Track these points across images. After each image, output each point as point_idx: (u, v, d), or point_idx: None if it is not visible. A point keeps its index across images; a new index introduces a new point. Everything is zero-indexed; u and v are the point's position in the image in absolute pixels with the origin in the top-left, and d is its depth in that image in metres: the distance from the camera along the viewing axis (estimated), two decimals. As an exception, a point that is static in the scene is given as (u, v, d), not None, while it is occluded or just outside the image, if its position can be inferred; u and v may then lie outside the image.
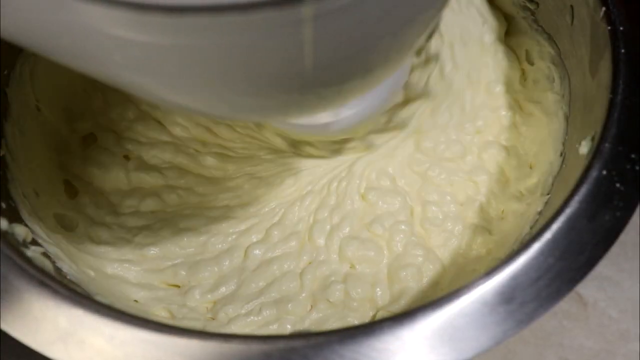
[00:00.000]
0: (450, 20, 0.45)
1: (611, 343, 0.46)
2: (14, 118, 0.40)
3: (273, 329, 0.39)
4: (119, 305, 0.32)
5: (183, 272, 0.42)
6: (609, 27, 0.36)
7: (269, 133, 0.44)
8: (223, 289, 0.41)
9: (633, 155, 0.32)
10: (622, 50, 0.35)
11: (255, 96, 0.24)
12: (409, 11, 0.22)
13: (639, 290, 0.47)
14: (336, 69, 0.23)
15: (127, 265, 0.41)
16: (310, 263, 0.42)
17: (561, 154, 0.39)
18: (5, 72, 0.40)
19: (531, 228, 0.37)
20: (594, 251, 0.30)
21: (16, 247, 0.32)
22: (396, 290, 0.40)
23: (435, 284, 0.41)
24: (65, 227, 0.42)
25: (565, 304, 0.47)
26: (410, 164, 0.45)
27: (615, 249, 0.31)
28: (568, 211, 0.31)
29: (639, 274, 0.48)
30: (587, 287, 0.48)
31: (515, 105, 0.46)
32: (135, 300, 0.40)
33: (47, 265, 0.34)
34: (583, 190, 0.32)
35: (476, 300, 0.29)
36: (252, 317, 0.39)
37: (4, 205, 0.35)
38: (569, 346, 0.46)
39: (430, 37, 0.27)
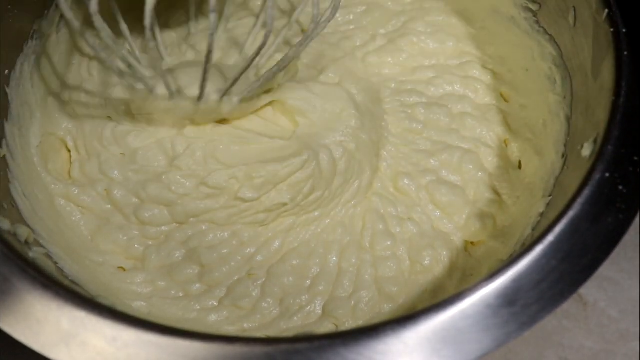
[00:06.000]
0: None
1: (611, 343, 0.46)
2: (14, 118, 0.40)
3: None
4: (121, 307, 0.32)
5: None
6: (612, 29, 0.36)
7: None
8: None
9: (636, 158, 0.32)
10: (625, 53, 0.35)
11: None
12: None
13: (639, 290, 0.47)
14: None
15: None
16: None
17: (563, 156, 0.39)
18: (6, 72, 0.40)
19: (533, 230, 0.37)
20: (597, 254, 0.30)
21: (18, 249, 0.32)
22: None
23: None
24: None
25: (566, 304, 0.47)
26: None
27: (615, 249, 0.31)
28: (571, 214, 0.31)
29: (639, 274, 0.48)
30: (587, 287, 0.47)
31: None
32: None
33: (50, 266, 0.34)
34: (586, 192, 0.32)
35: (479, 302, 0.29)
36: None
37: (5, 206, 0.35)
38: (569, 346, 0.46)
39: None
